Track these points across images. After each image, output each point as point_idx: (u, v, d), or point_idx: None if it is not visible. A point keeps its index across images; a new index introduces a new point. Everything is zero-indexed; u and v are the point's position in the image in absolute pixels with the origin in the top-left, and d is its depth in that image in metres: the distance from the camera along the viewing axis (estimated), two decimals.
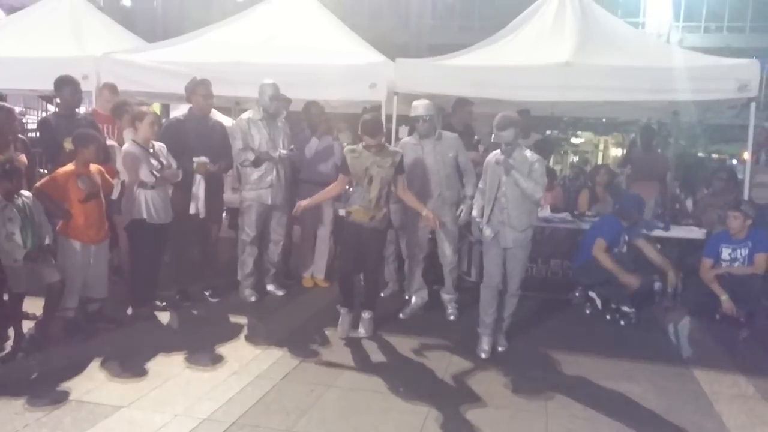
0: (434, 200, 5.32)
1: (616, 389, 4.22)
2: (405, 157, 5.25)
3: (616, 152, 26.88)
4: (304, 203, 4.98)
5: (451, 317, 5.48)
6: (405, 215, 5.52)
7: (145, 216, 4.99)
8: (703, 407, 4.03)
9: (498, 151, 4.63)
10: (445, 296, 5.60)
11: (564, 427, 3.68)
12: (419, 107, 5.31)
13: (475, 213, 4.91)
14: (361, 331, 4.99)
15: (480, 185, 4.91)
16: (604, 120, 18.68)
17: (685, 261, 6.09)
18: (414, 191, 5.24)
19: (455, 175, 5.42)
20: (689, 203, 9.00)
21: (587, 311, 5.89)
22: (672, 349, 5.18)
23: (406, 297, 5.75)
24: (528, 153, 4.63)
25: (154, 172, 4.94)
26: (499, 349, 4.78)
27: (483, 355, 4.65)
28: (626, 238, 5.73)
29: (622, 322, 5.60)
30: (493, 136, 4.60)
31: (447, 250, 5.44)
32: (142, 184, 4.96)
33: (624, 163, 9.14)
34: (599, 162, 26.97)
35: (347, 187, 5.12)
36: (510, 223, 4.59)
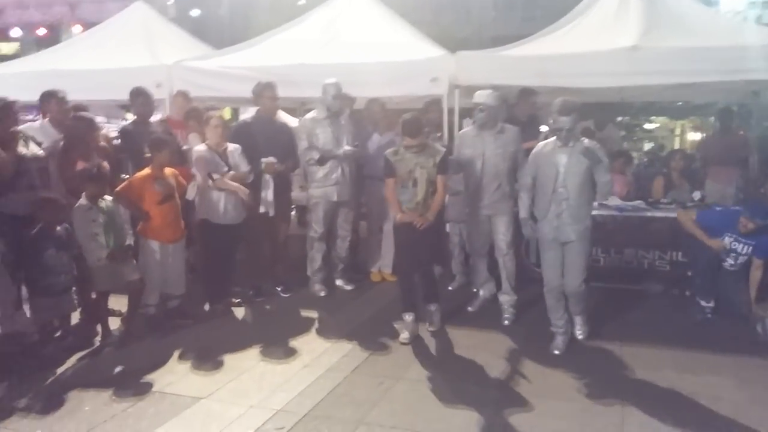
0: (492, 194, 5.15)
1: (697, 382, 4.07)
2: (463, 148, 5.25)
3: (694, 137, 25.71)
4: (400, 217, 4.81)
5: (506, 322, 5.19)
6: (464, 209, 5.48)
7: (212, 217, 5.20)
8: None
9: (553, 138, 4.47)
10: (502, 298, 5.31)
11: (641, 420, 3.58)
12: (480, 95, 5.15)
13: (524, 214, 4.70)
14: (429, 326, 4.97)
15: (524, 180, 4.72)
16: (679, 103, 17.89)
17: None
18: (472, 183, 5.23)
19: (515, 170, 5.19)
20: None
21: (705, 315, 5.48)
22: (757, 341, 4.93)
23: (474, 290, 5.71)
24: (586, 140, 4.47)
25: (213, 177, 5.10)
26: (579, 336, 4.70)
27: (556, 352, 4.55)
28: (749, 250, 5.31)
29: (709, 315, 5.38)
30: (551, 120, 4.44)
31: (501, 244, 5.23)
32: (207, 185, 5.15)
33: (699, 148, 8.75)
34: (675, 148, 25.93)
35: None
36: (571, 214, 4.41)
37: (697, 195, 6.65)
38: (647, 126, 23.53)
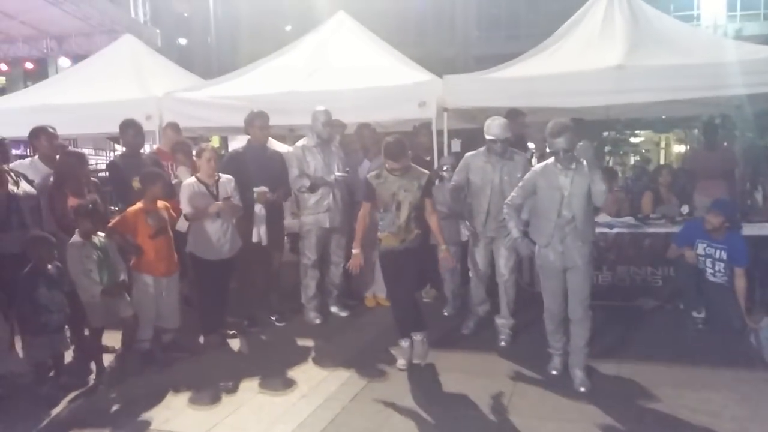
0: (499, 220, 5.11)
1: (697, 398, 4.07)
2: (470, 174, 5.23)
3: (679, 149, 25.98)
4: (357, 257, 4.72)
5: (502, 344, 5.18)
6: (458, 231, 5.48)
7: (205, 252, 5.17)
8: None
9: (551, 160, 4.32)
10: (499, 321, 5.30)
11: None
12: (494, 128, 5.03)
13: (516, 234, 4.51)
14: (414, 359, 4.75)
15: (515, 200, 4.50)
16: (663, 117, 18.12)
17: (760, 259, 5.82)
18: (479, 209, 5.23)
19: None
20: (759, 197, 8.62)
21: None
22: (753, 353, 4.94)
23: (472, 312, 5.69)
24: (585, 162, 4.33)
25: (188, 213, 5.09)
26: (581, 389, 4.24)
27: (554, 372, 4.52)
28: (724, 255, 5.44)
29: (700, 326, 5.42)
30: (546, 145, 4.37)
31: (502, 269, 5.24)
32: (188, 217, 5.14)
33: (686, 161, 8.84)
34: (661, 160, 26.17)
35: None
36: (577, 236, 4.24)
37: (685, 209, 6.71)
38: (633, 140, 23.76)
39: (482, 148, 5.25)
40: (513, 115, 6.33)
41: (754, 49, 6.33)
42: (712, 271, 5.48)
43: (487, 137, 5.10)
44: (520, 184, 4.52)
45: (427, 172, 4.75)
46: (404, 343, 4.76)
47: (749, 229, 5.80)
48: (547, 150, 4.35)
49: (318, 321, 5.92)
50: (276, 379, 4.61)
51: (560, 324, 4.49)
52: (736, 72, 5.59)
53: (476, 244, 5.36)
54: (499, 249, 5.24)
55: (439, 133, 6.54)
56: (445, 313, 6.06)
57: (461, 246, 6.00)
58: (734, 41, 7.84)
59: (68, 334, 4.61)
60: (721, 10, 25.12)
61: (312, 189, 5.78)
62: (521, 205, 4.54)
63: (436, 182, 5.65)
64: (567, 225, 4.24)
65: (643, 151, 26.99)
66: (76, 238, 4.55)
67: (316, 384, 4.50)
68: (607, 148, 20.27)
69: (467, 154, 5.39)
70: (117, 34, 9.33)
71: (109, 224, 4.81)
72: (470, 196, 5.31)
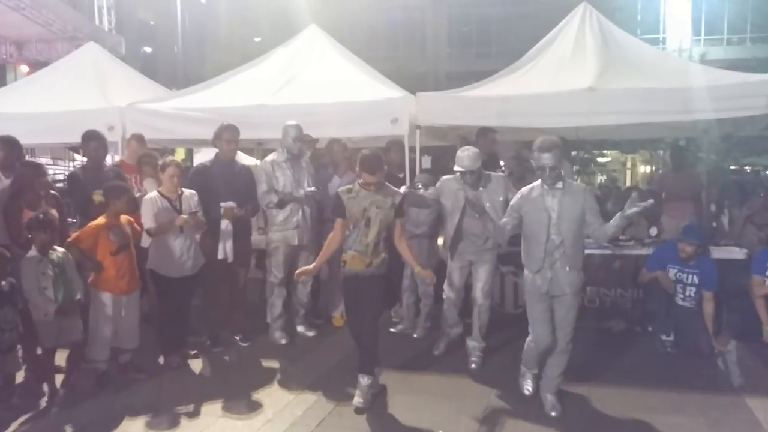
0: (479, 244, 5.08)
1: (667, 423, 4.05)
2: (445, 199, 5.10)
3: (645, 169, 26.49)
4: (308, 269, 4.56)
5: (473, 366, 5.08)
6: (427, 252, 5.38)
7: (166, 270, 5.01)
8: None
9: (538, 182, 4.12)
10: (471, 343, 5.21)
11: None
12: (464, 159, 4.86)
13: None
14: (357, 400, 4.32)
15: (504, 224, 4.28)
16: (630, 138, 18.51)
17: (727, 282, 5.88)
18: (447, 234, 5.15)
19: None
20: (725, 220, 8.76)
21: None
22: (721, 377, 4.97)
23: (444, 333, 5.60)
24: (572, 182, 4.19)
25: (151, 228, 4.93)
26: (552, 414, 4.15)
27: (526, 392, 4.44)
28: (696, 280, 5.47)
29: (669, 349, 5.42)
30: (534, 160, 4.08)
31: (478, 293, 5.18)
32: (150, 233, 4.98)
33: (653, 183, 8.96)
34: (628, 180, 26.64)
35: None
36: (567, 263, 4.04)
37: (653, 231, 6.75)
38: (600, 159, 24.14)
39: (457, 176, 5.05)
40: (484, 132, 6.33)
41: (720, 74, 6.44)
42: (682, 295, 5.51)
43: (457, 169, 4.92)
44: (508, 209, 4.32)
45: (401, 192, 4.53)
46: (364, 379, 4.38)
47: (716, 253, 5.86)
48: (534, 164, 4.10)
49: (284, 341, 5.75)
50: (239, 402, 4.44)
51: (544, 355, 4.25)
52: (703, 97, 5.67)
53: (452, 267, 5.28)
54: (477, 272, 5.18)
55: (411, 149, 6.49)
56: (392, 330, 6.02)
57: (433, 268, 5.93)
58: (701, 66, 7.98)
59: (20, 353, 4.39)
60: (687, 34, 25.79)
61: (280, 205, 5.64)
62: (510, 230, 4.25)
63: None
64: (556, 250, 4.03)
65: (613, 171, 27.47)
66: (32, 252, 4.36)
67: (282, 408, 4.34)
68: (575, 168, 20.55)
69: (443, 178, 5.25)
70: (79, 41, 9.10)
71: (69, 239, 4.60)
72: (444, 220, 5.22)
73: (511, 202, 4.30)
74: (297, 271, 4.60)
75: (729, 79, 6.09)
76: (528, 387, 4.46)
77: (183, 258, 5.03)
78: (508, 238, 4.36)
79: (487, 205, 4.95)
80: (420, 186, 5.61)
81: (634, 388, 4.66)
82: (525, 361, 4.49)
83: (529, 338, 4.34)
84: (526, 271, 4.24)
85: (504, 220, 4.27)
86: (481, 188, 5.02)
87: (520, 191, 4.28)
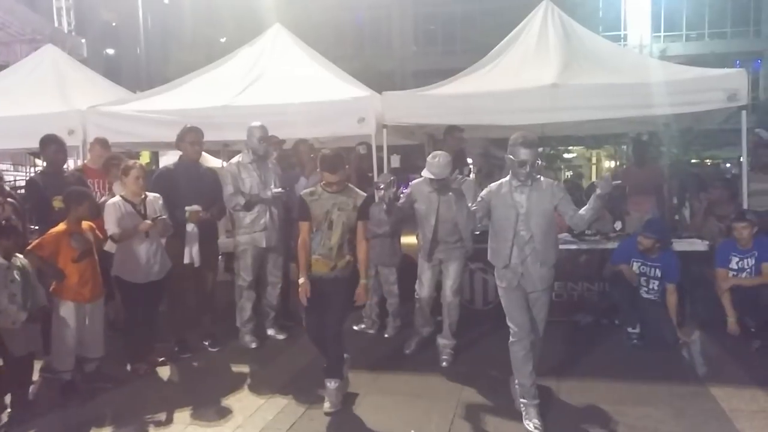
0: (448, 244, 5.11)
1: (634, 414, 4.11)
2: (419, 203, 5.09)
3: (609, 164, 26.89)
4: (302, 290, 4.27)
5: (444, 364, 5.09)
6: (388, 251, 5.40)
7: (131, 276, 4.92)
8: (724, 426, 3.92)
9: (507, 178, 4.07)
10: (441, 341, 5.23)
11: None
12: (434, 167, 4.79)
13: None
14: (326, 405, 4.28)
15: (473, 212, 4.14)
16: (594, 134, 18.78)
17: (690, 273, 6.00)
18: (425, 237, 5.14)
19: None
20: (686, 212, 8.95)
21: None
22: (686, 367, 5.07)
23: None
24: (541, 178, 4.08)
25: (115, 234, 4.84)
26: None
27: (534, 430, 3.90)
28: (658, 273, 5.59)
29: (635, 341, 5.50)
30: (512, 154, 3.95)
31: (447, 291, 5.20)
32: (114, 239, 4.89)
33: (617, 178, 9.09)
34: (593, 176, 27.02)
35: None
36: (537, 259, 3.98)
37: (618, 225, 6.87)
38: (566, 155, 24.46)
39: (425, 178, 5.02)
40: (450, 130, 6.37)
41: (680, 69, 6.58)
42: (646, 288, 5.61)
43: (426, 175, 4.88)
44: (478, 199, 4.20)
45: (363, 193, 4.43)
46: (331, 383, 4.31)
47: (678, 245, 5.98)
48: (509, 157, 3.99)
49: (254, 345, 5.69)
50: (209, 408, 4.38)
51: (531, 348, 4.03)
52: (664, 92, 5.78)
53: (423, 267, 5.29)
54: (446, 270, 5.20)
55: (379, 148, 6.48)
56: (355, 328, 6.02)
57: (396, 267, 5.95)
58: (661, 61, 8.13)
59: None
60: (647, 30, 26.31)
61: (247, 207, 5.58)
62: (481, 217, 4.15)
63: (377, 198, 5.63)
64: (526, 245, 3.98)
65: (578, 167, 27.86)
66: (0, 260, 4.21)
67: (252, 413, 4.30)
68: (542, 164, 20.79)
69: (413, 182, 5.25)
70: (38, 43, 8.88)
71: (29, 247, 4.48)
72: (419, 223, 5.22)
73: (481, 194, 4.21)
74: (300, 295, 4.30)
75: (688, 73, 6.22)
76: (536, 424, 3.93)
77: (149, 263, 4.95)
78: (478, 224, 4.27)
79: (454, 206, 4.92)
80: (381, 186, 5.66)
81: (601, 380, 4.72)
82: (520, 383, 4.09)
83: (510, 340, 4.08)
84: (497, 268, 4.16)
85: (474, 208, 4.14)
86: (450, 193, 5.01)
87: (488, 187, 4.20)
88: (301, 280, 4.28)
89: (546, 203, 3.99)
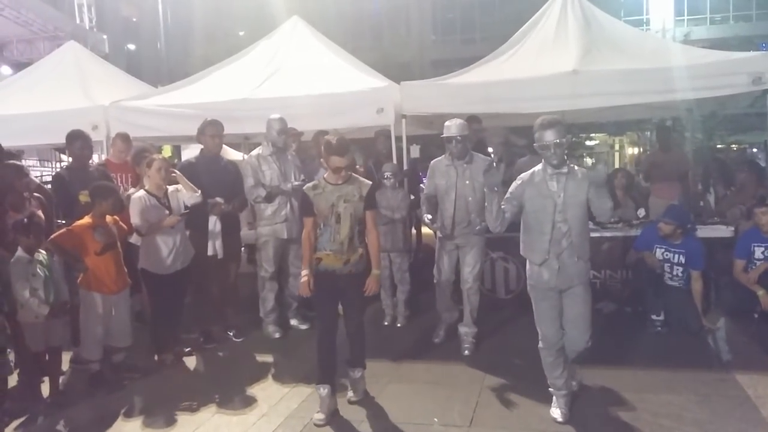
0: (463, 225, 5.09)
1: (658, 401, 4.09)
2: (435, 179, 5.16)
3: (632, 151, 26.58)
4: (305, 282, 4.14)
5: (466, 352, 5.10)
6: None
7: (155, 267, 4.99)
8: (748, 413, 3.89)
9: (540, 166, 3.82)
10: (462, 329, 5.21)
11: None
12: (452, 127, 5.01)
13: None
14: (350, 394, 4.31)
15: (504, 207, 3.86)
16: (616, 120, 18.55)
17: (715, 260, 5.93)
18: (444, 213, 5.15)
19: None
20: (711, 199, 8.81)
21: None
22: (711, 354, 5.03)
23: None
24: (575, 167, 3.83)
25: (140, 226, 4.90)
26: (573, 383, 4.10)
27: (560, 419, 3.85)
28: (682, 259, 5.52)
29: (659, 328, 5.45)
30: (536, 141, 3.77)
31: (467, 276, 5.18)
32: (140, 232, 4.96)
33: (642, 164, 9.00)
34: (616, 163, 26.72)
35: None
36: (575, 253, 3.73)
37: (641, 212, 6.79)
38: (588, 143, 24.20)
39: (445, 154, 5.20)
40: (469, 122, 6.33)
41: (702, 53, 6.47)
42: (670, 275, 5.55)
43: (445, 136, 5.06)
44: (507, 196, 3.89)
45: (369, 182, 4.26)
46: (323, 390, 4.07)
47: (703, 231, 5.91)
48: (535, 145, 3.82)
49: (277, 335, 5.76)
50: (234, 397, 4.45)
51: (559, 354, 3.90)
52: (686, 76, 5.68)
53: (442, 251, 5.29)
54: (465, 257, 5.19)
55: (398, 139, 6.48)
56: (385, 323, 6.02)
57: (407, 253, 5.96)
58: (683, 46, 8.00)
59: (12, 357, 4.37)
60: (669, 14, 25.87)
61: (268, 199, 5.63)
62: (509, 218, 3.89)
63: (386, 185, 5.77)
64: (564, 238, 3.71)
65: (601, 154, 27.57)
66: (21, 253, 4.31)
67: (276, 402, 4.36)
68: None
69: (432, 161, 5.32)
70: (61, 40, 9.02)
71: (52, 237, 4.57)
72: (439, 201, 5.23)
73: (510, 189, 3.91)
74: (299, 290, 4.27)
75: (710, 57, 6.11)
76: (562, 413, 3.88)
77: (173, 254, 5.01)
78: (506, 226, 3.93)
79: (467, 182, 5.01)
80: (388, 175, 5.70)
81: (625, 367, 4.70)
82: (548, 373, 3.99)
83: (539, 344, 3.95)
84: (528, 265, 3.92)
85: (503, 206, 3.85)
86: (465, 164, 5.06)
87: (518, 178, 3.91)
88: (303, 273, 4.15)
89: (582, 193, 3.72)
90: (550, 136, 3.67)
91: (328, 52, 7.34)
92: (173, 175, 5.09)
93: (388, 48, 20.61)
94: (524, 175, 3.86)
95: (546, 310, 3.85)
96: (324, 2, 17.86)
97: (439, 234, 5.32)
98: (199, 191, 5.13)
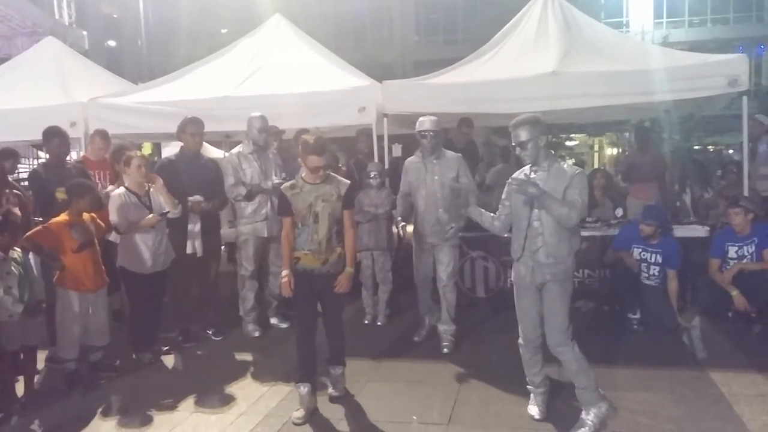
0: (433, 223, 5.12)
1: (635, 399, 4.14)
2: (408, 177, 5.22)
3: (611, 152, 26.85)
4: (285, 282, 4.13)
5: (445, 350, 5.10)
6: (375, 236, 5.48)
7: (135, 266, 4.96)
8: (723, 411, 3.94)
9: (528, 166, 3.79)
10: (441, 327, 5.21)
11: None
12: (425, 122, 5.09)
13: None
14: (331, 391, 4.34)
15: (499, 209, 3.94)
16: (596, 121, 18.72)
17: (690, 259, 6.02)
18: (417, 212, 5.21)
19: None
20: (687, 199, 8.93)
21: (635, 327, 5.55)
22: (686, 352, 5.09)
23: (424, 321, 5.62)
24: (566, 165, 3.77)
25: (119, 225, 4.87)
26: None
27: (537, 417, 3.91)
28: (659, 259, 5.60)
29: (636, 326, 5.52)
30: (512, 144, 3.80)
31: (441, 275, 5.20)
32: (120, 230, 4.92)
33: (620, 165, 9.09)
34: (595, 163, 26.97)
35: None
36: (548, 252, 3.68)
37: (619, 212, 6.86)
38: (568, 143, 24.39)
39: (418, 151, 5.27)
40: (459, 124, 6.41)
41: (680, 56, 6.56)
42: (646, 274, 5.63)
43: (418, 131, 5.12)
44: (502, 197, 3.93)
45: (347, 181, 4.25)
46: (303, 389, 4.09)
47: (679, 231, 5.99)
48: (512, 144, 3.80)
49: (257, 334, 5.74)
50: (213, 396, 4.43)
51: (537, 351, 3.92)
52: (664, 78, 5.78)
53: (418, 250, 5.32)
54: (438, 255, 5.21)
55: (380, 138, 6.50)
56: (366, 322, 6.02)
57: (389, 252, 5.97)
58: (661, 48, 8.10)
59: None
60: (649, 17, 26.18)
61: (248, 197, 5.61)
62: (505, 221, 3.91)
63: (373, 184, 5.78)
64: (538, 237, 3.70)
65: (581, 155, 27.79)
66: None
67: (255, 401, 4.35)
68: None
69: (407, 160, 5.39)
70: (39, 36, 8.89)
71: (28, 234, 4.51)
72: (413, 199, 5.28)
73: (503, 197, 3.93)
74: (281, 290, 4.27)
75: (688, 59, 6.20)
76: (538, 410, 3.94)
77: (153, 254, 4.98)
78: (508, 227, 3.93)
79: (436, 178, 5.08)
80: (374, 175, 5.76)
81: (602, 365, 4.68)
82: (526, 370, 4.01)
83: (519, 340, 3.97)
84: (514, 260, 3.93)
85: (494, 215, 3.94)
86: (435, 160, 5.13)
87: (512, 177, 3.84)
88: (284, 273, 4.13)
89: (561, 192, 3.62)
90: (522, 136, 3.66)
91: (311, 51, 7.33)
92: (155, 186, 5.02)
93: (371, 48, 20.65)
94: (516, 174, 3.85)
95: (525, 307, 3.87)
96: (307, 2, 17.82)
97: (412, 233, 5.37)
98: (180, 206, 5.08)
